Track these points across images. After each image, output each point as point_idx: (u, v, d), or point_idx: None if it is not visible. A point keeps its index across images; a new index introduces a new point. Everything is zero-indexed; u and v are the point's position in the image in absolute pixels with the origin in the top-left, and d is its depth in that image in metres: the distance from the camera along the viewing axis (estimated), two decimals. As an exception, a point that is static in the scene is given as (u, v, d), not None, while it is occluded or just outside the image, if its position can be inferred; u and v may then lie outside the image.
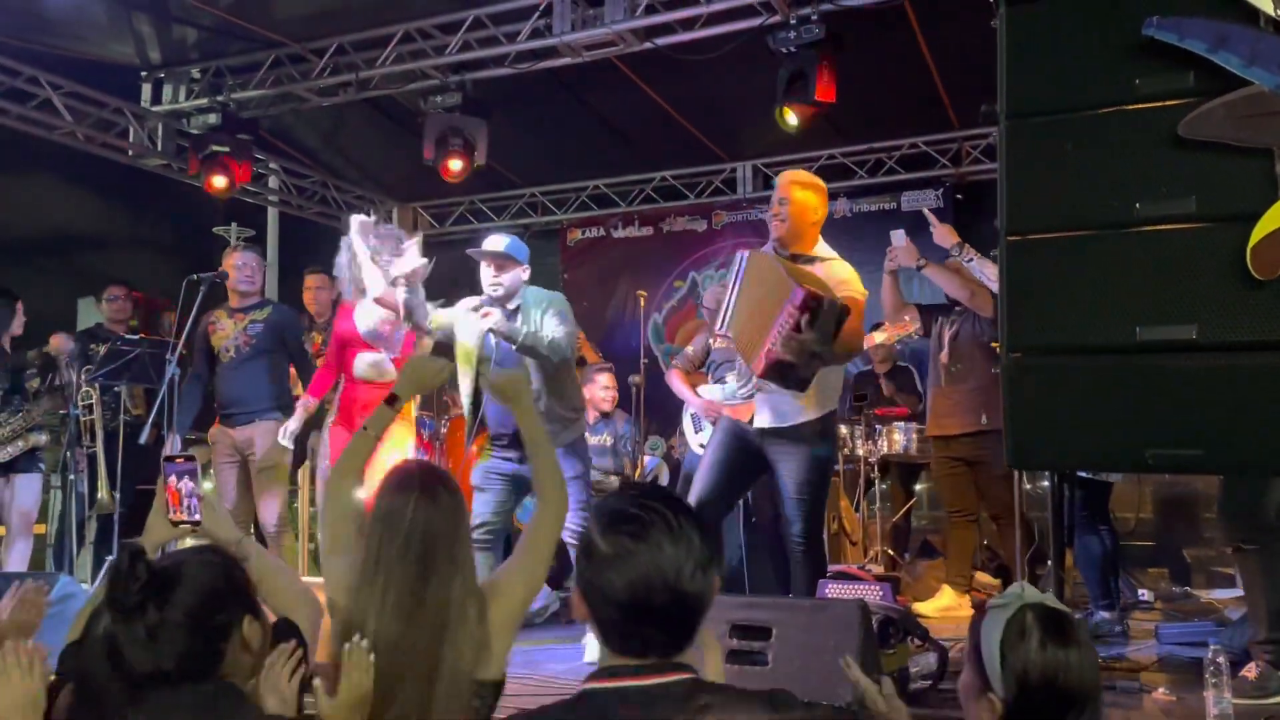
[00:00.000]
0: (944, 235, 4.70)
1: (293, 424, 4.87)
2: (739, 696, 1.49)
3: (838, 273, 3.71)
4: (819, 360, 3.41)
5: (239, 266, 5.18)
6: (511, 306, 4.18)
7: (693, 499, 3.80)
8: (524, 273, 4.26)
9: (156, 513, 2.30)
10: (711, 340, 4.69)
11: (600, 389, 6.18)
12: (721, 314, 3.72)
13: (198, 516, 2.28)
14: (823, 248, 3.87)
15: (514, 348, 4.07)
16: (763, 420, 3.74)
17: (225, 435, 5.09)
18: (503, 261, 4.17)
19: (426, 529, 2.00)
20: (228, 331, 5.13)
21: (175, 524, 2.29)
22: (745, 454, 3.81)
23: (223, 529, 2.31)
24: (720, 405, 4.31)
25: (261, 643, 1.76)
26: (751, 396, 3.79)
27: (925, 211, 4.95)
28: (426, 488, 2.04)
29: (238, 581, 1.74)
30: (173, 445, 4.98)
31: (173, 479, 2.28)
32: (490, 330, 4.07)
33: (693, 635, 1.52)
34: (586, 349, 6.68)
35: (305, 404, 4.92)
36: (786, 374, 3.42)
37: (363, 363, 4.79)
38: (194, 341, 5.18)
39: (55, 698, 1.85)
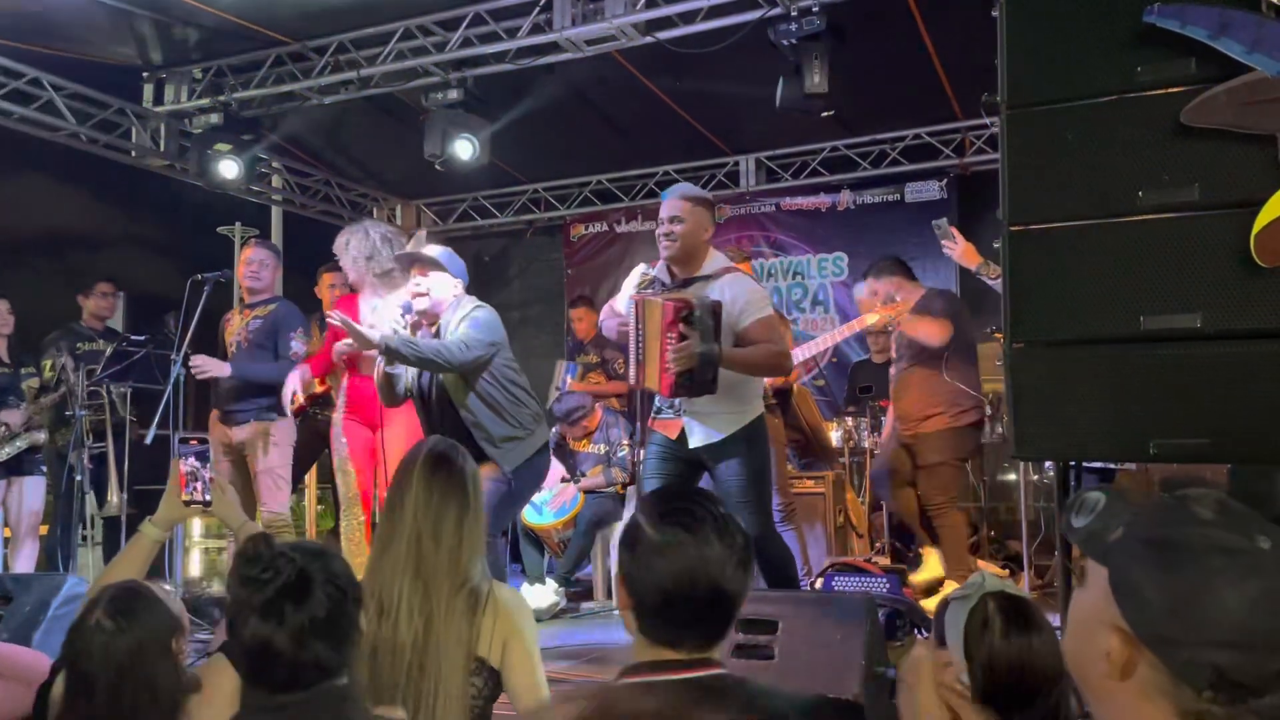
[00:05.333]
0: (965, 256, 4.65)
1: (289, 387, 4.90)
2: (767, 694, 1.53)
3: (736, 295, 3.69)
4: (711, 362, 3.49)
5: (246, 262, 5.21)
6: (434, 328, 3.99)
7: None
8: (455, 286, 4.03)
9: (169, 493, 2.35)
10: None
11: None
12: (632, 370, 3.73)
13: (207, 498, 2.34)
14: (714, 262, 3.83)
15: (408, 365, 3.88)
16: (695, 441, 3.75)
17: (222, 432, 5.10)
18: (427, 267, 3.99)
19: (418, 509, 2.08)
20: (234, 327, 5.16)
21: (186, 504, 2.34)
22: (683, 464, 3.82)
23: (231, 512, 2.38)
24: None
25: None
26: (679, 414, 3.79)
27: (943, 227, 4.79)
28: (424, 469, 2.15)
29: (352, 577, 1.73)
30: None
31: (184, 461, 2.34)
32: (379, 348, 3.81)
33: (727, 632, 1.57)
34: (606, 385, 6.75)
35: (302, 373, 4.94)
36: (690, 385, 3.53)
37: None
38: (213, 342, 5.23)
39: (51, 684, 1.87)
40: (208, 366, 4.89)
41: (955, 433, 5.03)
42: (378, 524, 2.21)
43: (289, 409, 4.96)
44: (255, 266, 5.19)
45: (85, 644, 1.78)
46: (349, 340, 4.53)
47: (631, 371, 3.74)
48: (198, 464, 2.37)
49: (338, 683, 1.63)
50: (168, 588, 1.95)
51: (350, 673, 1.68)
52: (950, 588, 5.04)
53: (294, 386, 4.87)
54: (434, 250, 4.10)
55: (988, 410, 5.52)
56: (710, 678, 1.49)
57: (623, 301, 3.99)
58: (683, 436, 3.76)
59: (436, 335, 3.99)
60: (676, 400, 3.74)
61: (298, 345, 5.15)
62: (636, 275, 3.97)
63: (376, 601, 2.05)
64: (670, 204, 3.78)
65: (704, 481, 3.92)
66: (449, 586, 2.06)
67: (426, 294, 3.93)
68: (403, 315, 3.94)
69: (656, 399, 3.94)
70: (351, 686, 1.67)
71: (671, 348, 3.47)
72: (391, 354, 3.77)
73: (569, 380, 6.93)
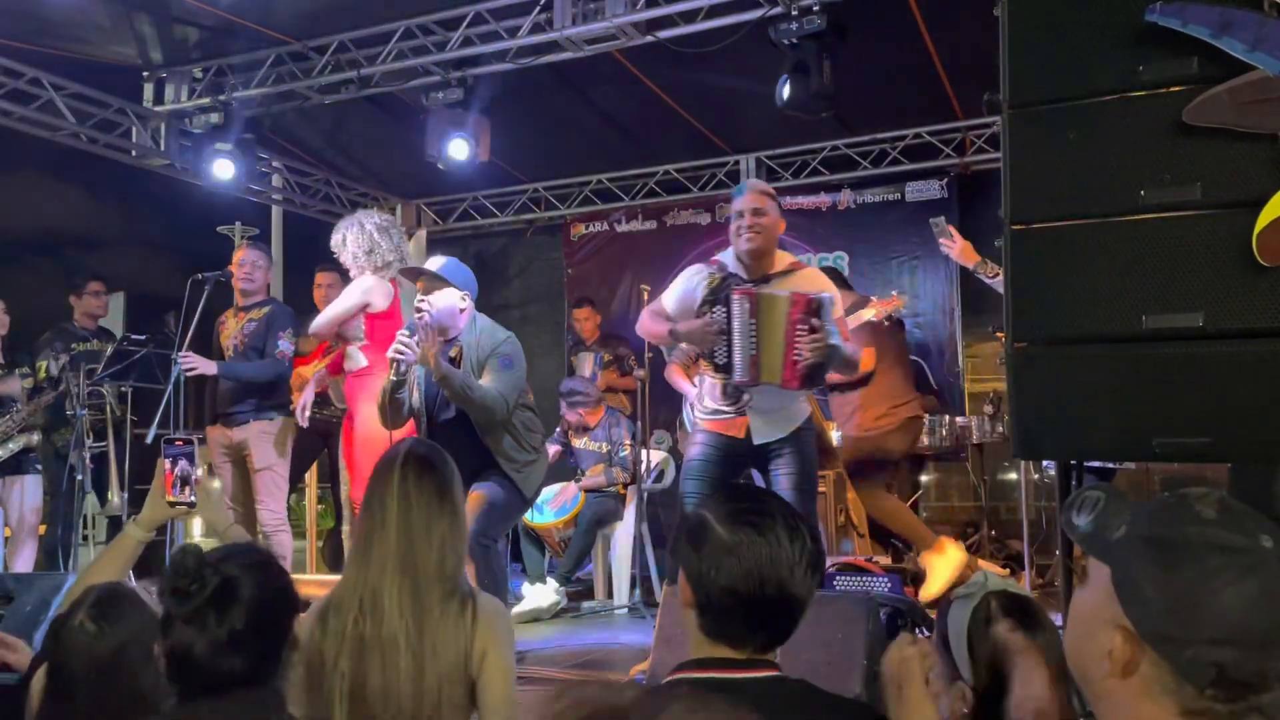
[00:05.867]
0: (962, 254, 4.65)
1: (306, 396, 5.02)
2: (825, 700, 1.53)
3: (819, 285, 3.78)
4: (835, 355, 3.63)
5: (240, 264, 5.23)
6: (451, 349, 3.87)
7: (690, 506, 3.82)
8: (462, 300, 3.91)
9: (154, 493, 2.33)
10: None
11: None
12: (738, 364, 3.67)
13: (193, 499, 2.31)
14: (783, 259, 3.88)
15: (443, 391, 3.81)
16: (763, 436, 3.78)
17: (222, 435, 5.12)
18: (432, 284, 3.87)
19: (405, 511, 2.03)
20: (230, 330, 5.18)
21: (171, 504, 2.32)
22: (732, 465, 3.84)
23: (216, 513, 2.36)
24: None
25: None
26: (742, 413, 3.80)
27: (941, 225, 4.79)
28: (410, 471, 2.09)
29: (289, 581, 1.71)
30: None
31: (169, 461, 2.31)
32: (435, 373, 3.72)
33: (789, 635, 1.56)
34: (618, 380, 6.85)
35: (317, 376, 5.03)
36: (815, 377, 3.64)
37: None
38: (210, 342, 5.26)
39: (31, 678, 1.86)
40: (195, 364, 4.97)
41: (860, 440, 5.29)
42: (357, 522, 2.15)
43: (301, 419, 5.01)
44: (248, 269, 5.21)
45: (67, 645, 1.77)
46: (331, 312, 4.51)
47: (739, 367, 3.67)
48: (188, 467, 2.34)
49: (260, 692, 1.61)
50: (152, 590, 1.93)
51: (278, 682, 1.65)
52: (929, 568, 4.96)
53: (307, 399, 4.95)
54: (438, 262, 4.00)
55: (995, 409, 5.59)
56: (770, 680, 1.49)
57: (671, 300, 3.94)
58: (748, 434, 3.79)
59: (458, 355, 3.90)
60: (744, 397, 3.76)
61: (285, 345, 5.16)
62: (700, 274, 3.89)
63: (358, 601, 2.00)
64: (751, 197, 3.79)
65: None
66: (440, 591, 2.02)
67: (427, 312, 3.82)
68: (410, 336, 3.84)
69: (706, 399, 3.91)
70: (276, 697, 1.64)
71: (805, 340, 3.53)
72: (444, 382, 3.73)
73: (600, 374, 6.96)
